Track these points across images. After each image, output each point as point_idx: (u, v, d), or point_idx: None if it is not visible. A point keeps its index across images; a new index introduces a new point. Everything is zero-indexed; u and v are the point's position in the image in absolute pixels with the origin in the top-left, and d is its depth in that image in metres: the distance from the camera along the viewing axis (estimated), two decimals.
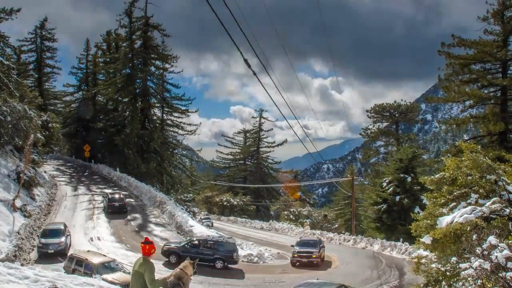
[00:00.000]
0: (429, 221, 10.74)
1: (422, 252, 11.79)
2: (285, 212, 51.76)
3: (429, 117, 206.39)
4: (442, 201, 11.15)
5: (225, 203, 56.06)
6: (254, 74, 8.79)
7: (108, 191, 31.06)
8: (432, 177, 12.18)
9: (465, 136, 36.02)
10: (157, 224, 26.51)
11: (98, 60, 54.46)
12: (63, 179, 37.90)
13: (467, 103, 32.42)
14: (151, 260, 6.05)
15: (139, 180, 38.14)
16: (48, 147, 46.11)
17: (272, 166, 65.42)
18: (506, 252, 8.13)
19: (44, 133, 35.62)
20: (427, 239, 9.77)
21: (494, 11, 29.29)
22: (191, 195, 57.97)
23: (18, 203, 22.13)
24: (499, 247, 8.29)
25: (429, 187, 12.26)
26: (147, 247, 5.94)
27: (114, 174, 41.65)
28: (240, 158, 65.40)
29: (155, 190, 34.98)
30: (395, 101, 51.11)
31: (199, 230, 24.06)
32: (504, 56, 29.17)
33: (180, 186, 52.35)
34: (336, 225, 49.81)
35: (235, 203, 56.14)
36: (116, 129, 46.12)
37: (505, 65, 29.95)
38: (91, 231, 23.51)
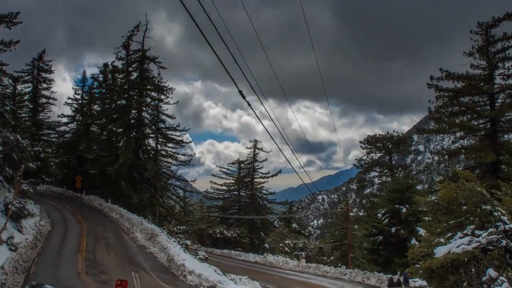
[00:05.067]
0: (425, 250, 10.58)
1: (421, 283, 11.53)
2: (280, 245, 50.64)
3: (421, 148, 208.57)
4: (438, 230, 11.06)
5: (218, 235, 54.82)
6: (249, 105, 8.91)
7: None
8: (428, 199, 12.17)
9: (457, 166, 36.33)
10: (146, 260, 25.70)
11: (94, 91, 55.06)
12: (52, 211, 37.00)
13: (458, 134, 33.02)
14: None
15: (131, 212, 37.38)
16: (39, 177, 45.40)
17: (266, 197, 64.74)
18: (506, 285, 7.98)
19: (36, 164, 35.20)
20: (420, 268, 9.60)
21: (479, 46, 30.54)
22: (184, 227, 56.75)
23: (4, 235, 21.42)
24: (499, 280, 8.15)
25: (423, 209, 12.29)
26: None
27: (105, 205, 40.85)
28: (234, 189, 64.77)
29: (147, 222, 34.24)
30: (387, 132, 51.88)
31: (191, 264, 23.33)
32: (491, 90, 30.08)
33: (173, 217, 51.31)
34: (332, 258, 48.68)
35: (229, 235, 54.94)
36: (109, 160, 45.77)
37: (492, 97, 30.82)
38: (79, 264, 22.68)
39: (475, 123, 31.97)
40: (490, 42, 30.16)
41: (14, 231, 23.59)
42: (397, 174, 48.27)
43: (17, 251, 21.06)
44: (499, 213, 10.48)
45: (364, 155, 52.29)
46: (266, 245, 55.53)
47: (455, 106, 31.88)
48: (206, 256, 33.52)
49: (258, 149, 63.59)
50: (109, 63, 52.12)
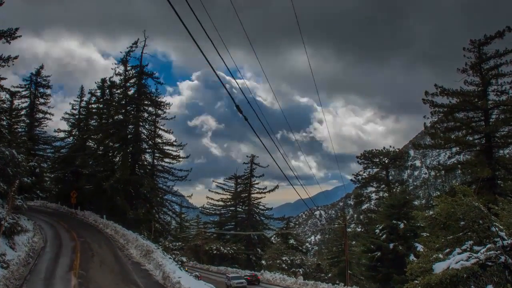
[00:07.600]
0: (424, 265, 10.47)
1: None
2: (277, 261, 49.99)
3: (418, 163, 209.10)
4: (437, 245, 10.98)
5: (215, 252, 54.04)
6: (246, 119, 8.96)
7: None
8: (426, 214, 12.12)
9: (454, 182, 36.38)
10: (141, 277, 25.22)
11: (91, 106, 55.16)
12: (46, 227, 36.46)
13: (454, 149, 33.20)
14: None
15: (127, 228, 36.88)
16: (34, 193, 44.90)
17: (263, 213, 64.20)
18: None
19: (30, 179, 34.89)
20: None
21: (472, 63, 31.08)
22: (180, 243, 56.01)
23: None
24: None
25: (421, 224, 12.27)
26: None
27: (100, 221, 40.32)
28: (230, 204, 64.25)
29: (143, 238, 33.77)
30: (384, 147, 52.05)
31: (187, 281, 22.89)
32: (485, 106, 30.44)
33: (169, 233, 50.64)
34: (330, 275, 48.03)
35: (225, 251, 54.17)
36: (105, 175, 45.44)
37: (487, 113, 31.15)
38: (71, 282, 22.19)
39: (471, 138, 32.20)
40: (483, 59, 30.72)
41: (6, 248, 23.14)
42: (394, 190, 48.19)
43: (9, 269, 20.59)
44: (497, 229, 10.43)
45: (361, 170, 52.30)
46: (263, 261, 54.75)
47: (450, 122, 32.17)
48: (198, 275, 32.74)
49: (255, 164, 63.48)
50: (107, 78, 52.50)
